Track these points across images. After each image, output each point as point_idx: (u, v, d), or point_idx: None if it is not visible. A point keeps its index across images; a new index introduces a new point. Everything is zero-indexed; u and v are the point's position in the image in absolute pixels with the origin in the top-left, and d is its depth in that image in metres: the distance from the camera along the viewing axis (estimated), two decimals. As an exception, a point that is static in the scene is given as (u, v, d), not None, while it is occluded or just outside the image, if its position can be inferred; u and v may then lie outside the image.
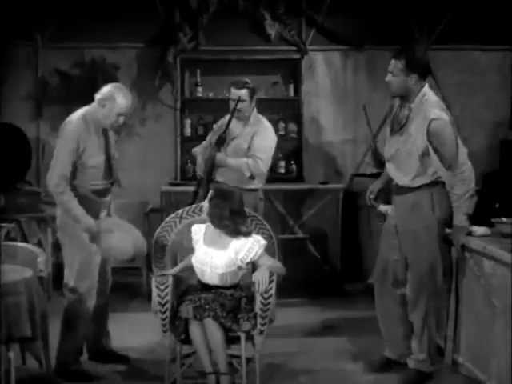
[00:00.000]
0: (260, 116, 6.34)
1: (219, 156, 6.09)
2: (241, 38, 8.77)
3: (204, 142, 6.50)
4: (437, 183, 5.11)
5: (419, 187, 5.12)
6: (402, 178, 5.21)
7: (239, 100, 6.09)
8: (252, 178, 6.13)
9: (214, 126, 6.60)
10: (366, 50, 8.79)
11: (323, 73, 9.03)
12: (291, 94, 8.96)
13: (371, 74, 8.74)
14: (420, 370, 5.29)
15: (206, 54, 8.77)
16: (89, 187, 5.24)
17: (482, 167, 8.00)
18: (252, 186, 6.19)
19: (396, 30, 8.69)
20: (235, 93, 6.16)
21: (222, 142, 6.12)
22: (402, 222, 5.26)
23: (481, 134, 8.94)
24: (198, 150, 6.43)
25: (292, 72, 8.97)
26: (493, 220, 5.35)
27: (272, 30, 8.77)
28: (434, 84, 8.86)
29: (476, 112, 8.97)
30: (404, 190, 5.20)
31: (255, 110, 6.31)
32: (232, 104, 6.15)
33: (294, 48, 8.89)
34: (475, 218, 5.26)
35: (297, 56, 8.91)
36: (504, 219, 5.31)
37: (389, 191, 5.59)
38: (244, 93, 6.13)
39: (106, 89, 5.30)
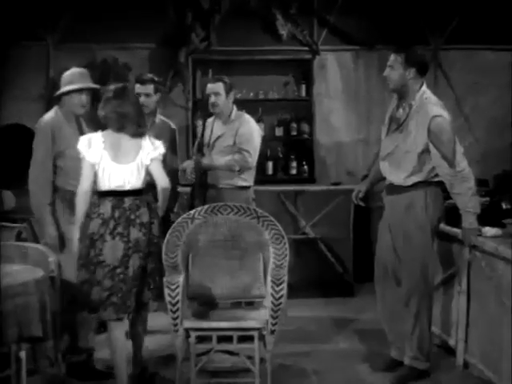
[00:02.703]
0: (241, 112, 6.33)
1: (205, 160, 6.11)
2: (253, 38, 8.79)
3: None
4: (430, 183, 5.13)
5: (413, 186, 5.13)
6: (397, 176, 5.21)
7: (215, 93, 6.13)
8: (240, 172, 6.10)
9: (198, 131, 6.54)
10: (377, 50, 8.76)
11: (335, 73, 9.05)
12: (303, 94, 8.97)
13: (383, 74, 8.75)
14: (413, 367, 5.29)
15: (218, 54, 8.78)
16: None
17: (492, 168, 7.97)
18: (243, 184, 6.16)
19: (407, 30, 8.68)
20: (210, 87, 6.18)
21: (201, 147, 6.15)
22: (396, 222, 5.27)
23: (492, 134, 8.93)
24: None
25: (304, 72, 8.97)
26: (504, 221, 5.33)
27: (284, 30, 8.78)
28: (446, 84, 8.89)
29: (487, 112, 8.96)
30: (398, 189, 5.21)
31: (235, 107, 6.27)
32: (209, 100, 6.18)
33: (306, 48, 8.92)
34: (486, 219, 5.26)
35: (308, 56, 8.93)
36: (515, 220, 5.30)
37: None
38: (219, 86, 6.13)
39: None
